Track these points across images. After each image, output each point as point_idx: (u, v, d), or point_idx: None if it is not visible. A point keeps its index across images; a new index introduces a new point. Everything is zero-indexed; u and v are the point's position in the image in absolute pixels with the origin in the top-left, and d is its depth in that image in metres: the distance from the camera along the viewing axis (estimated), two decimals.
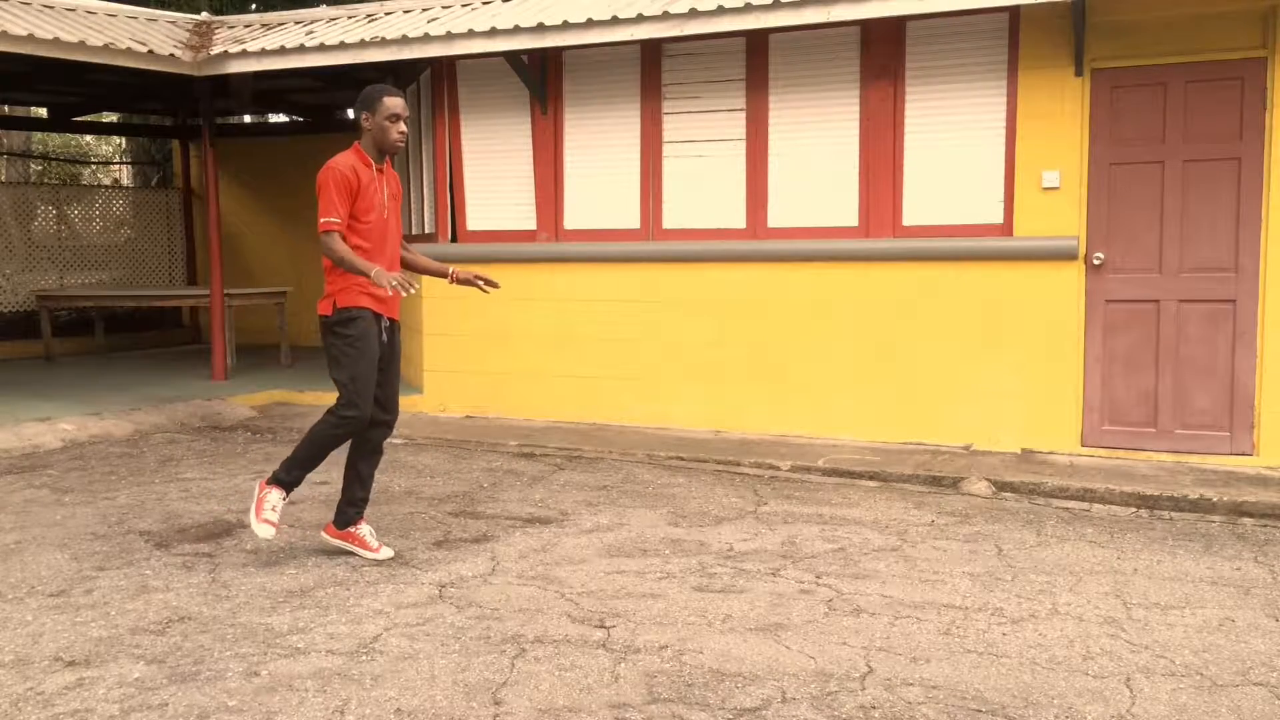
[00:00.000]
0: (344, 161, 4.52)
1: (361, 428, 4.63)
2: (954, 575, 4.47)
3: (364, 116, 4.56)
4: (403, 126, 4.56)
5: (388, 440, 4.90)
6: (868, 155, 7.04)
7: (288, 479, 4.66)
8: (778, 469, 6.45)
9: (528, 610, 4.03)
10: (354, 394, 4.53)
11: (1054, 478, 5.97)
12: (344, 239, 4.45)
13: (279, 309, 10.98)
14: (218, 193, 9.87)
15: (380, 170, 4.61)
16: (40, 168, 19.58)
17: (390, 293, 4.36)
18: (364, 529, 4.76)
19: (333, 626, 3.86)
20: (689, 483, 6.19)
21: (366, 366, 4.55)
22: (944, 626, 3.86)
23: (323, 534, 4.83)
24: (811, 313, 7.20)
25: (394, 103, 4.53)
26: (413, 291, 4.42)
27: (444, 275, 4.90)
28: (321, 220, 4.45)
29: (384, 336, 4.63)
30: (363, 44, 7.95)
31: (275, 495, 4.63)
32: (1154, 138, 6.38)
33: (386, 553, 4.71)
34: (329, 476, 6.33)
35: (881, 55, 6.95)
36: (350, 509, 4.76)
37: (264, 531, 4.55)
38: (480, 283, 4.86)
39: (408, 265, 4.94)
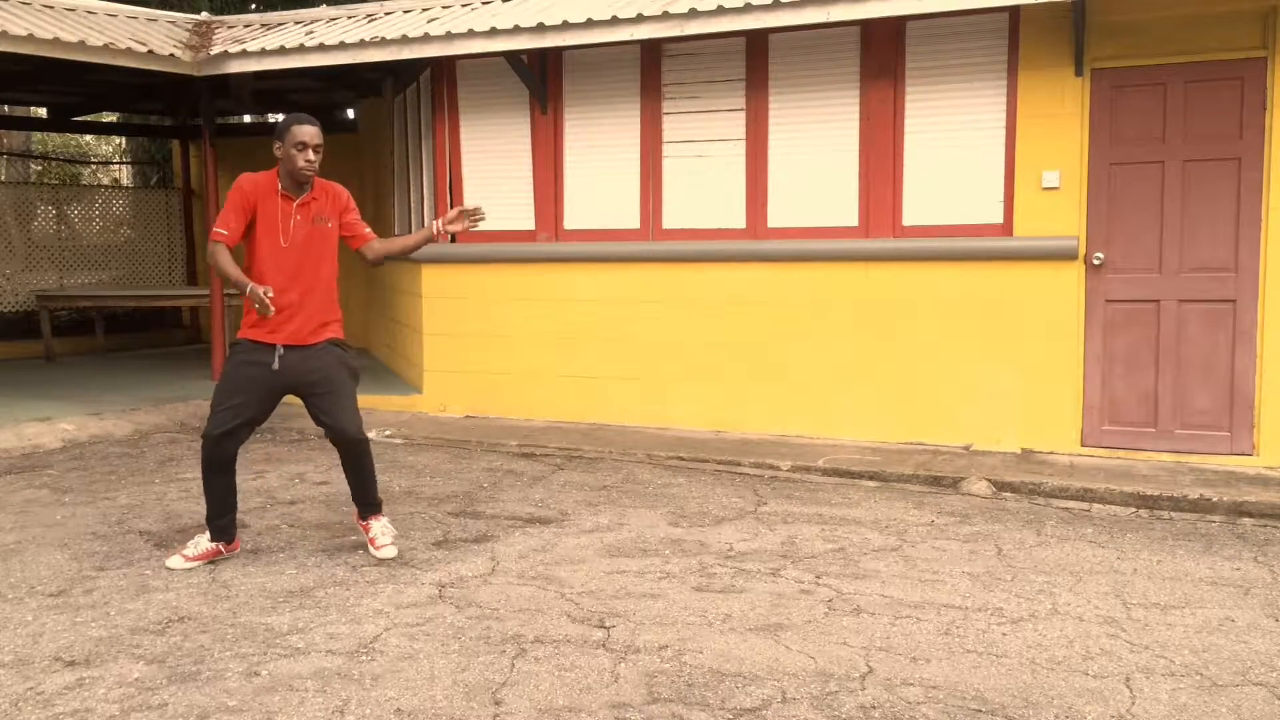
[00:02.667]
0: (250, 178, 4.57)
1: (209, 448, 4.59)
2: (954, 575, 4.47)
3: (276, 145, 4.55)
4: (310, 155, 4.50)
5: (378, 441, 4.93)
6: (868, 155, 7.04)
7: (207, 524, 4.70)
8: (778, 469, 6.45)
9: (528, 610, 4.03)
10: (211, 414, 4.62)
11: (1054, 478, 5.97)
12: (228, 251, 4.52)
13: None
14: (218, 193, 9.86)
15: (295, 199, 4.55)
16: (40, 168, 19.57)
17: (259, 310, 4.36)
18: (375, 527, 4.82)
19: (333, 626, 3.86)
20: (689, 483, 6.19)
21: (223, 391, 4.59)
22: (944, 626, 3.86)
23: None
24: (811, 313, 7.20)
25: (302, 130, 4.49)
26: (270, 314, 4.39)
27: (433, 239, 4.84)
28: (214, 229, 4.53)
29: (275, 365, 4.55)
30: (363, 44, 7.95)
31: (198, 537, 4.70)
32: (1154, 138, 6.38)
33: (388, 552, 4.73)
34: (329, 477, 6.34)
35: (881, 55, 6.95)
36: (354, 504, 4.91)
37: (172, 563, 4.59)
38: (468, 221, 4.78)
39: (390, 256, 4.93)
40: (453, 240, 8.35)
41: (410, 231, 9.26)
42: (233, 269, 4.48)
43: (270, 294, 4.34)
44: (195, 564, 4.58)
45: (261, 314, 4.39)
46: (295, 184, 4.56)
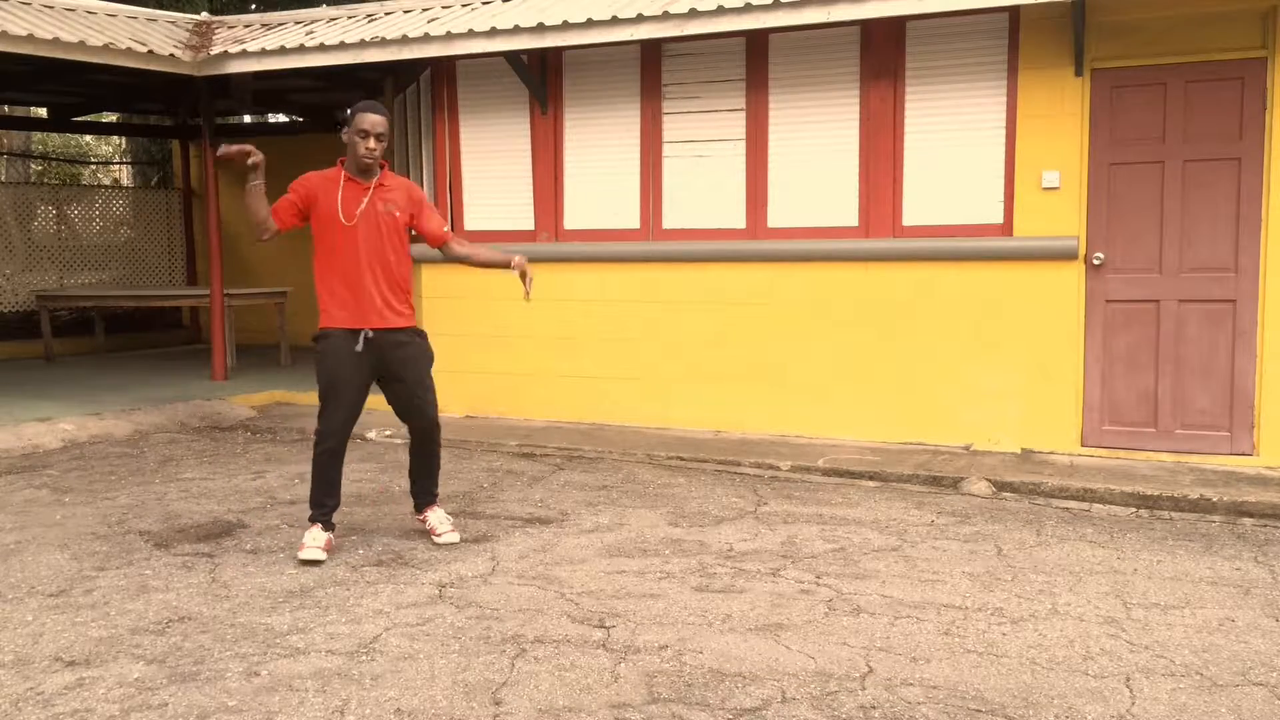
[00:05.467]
0: (315, 172, 4.77)
1: (331, 442, 4.75)
2: (954, 575, 4.47)
3: (343, 132, 4.73)
4: (371, 143, 4.63)
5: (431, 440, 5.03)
6: (868, 155, 7.04)
7: (312, 515, 4.80)
8: (778, 469, 6.45)
9: (528, 610, 4.02)
10: (319, 413, 4.78)
11: (1054, 478, 5.97)
12: (272, 217, 4.69)
13: (279, 309, 10.98)
14: (218, 193, 9.87)
15: (362, 184, 4.71)
16: (40, 168, 19.58)
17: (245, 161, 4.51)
18: (431, 517, 4.99)
19: (333, 626, 3.86)
20: (689, 483, 6.19)
21: (325, 385, 4.72)
22: (944, 626, 3.86)
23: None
24: (811, 313, 7.20)
25: (364, 119, 4.64)
26: (257, 160, 4.55)
27: (506, 265, 4.96)
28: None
29: (359, 346, 4.69)
30: (363, 44, 7.95)
31: (313, 532, 4.76)
32: (1154, 138, 6.38)
33: (450, 538, 4.91)
34: None
35: (881, 55, 6.95)
36: (415, 497, 5.07)
37: (305, 555, 4.66)
38: (526, 282, 4.92)
39: (469, 261, 5.05)
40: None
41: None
42: (260, 204, 4.66)
43: (253, 155, 4.51)
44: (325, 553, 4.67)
45: (240, 162, 4.51)
46: (360, 170, 4.71)
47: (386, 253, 4.74)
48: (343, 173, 4.72)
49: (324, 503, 4.77)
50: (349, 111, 4.70)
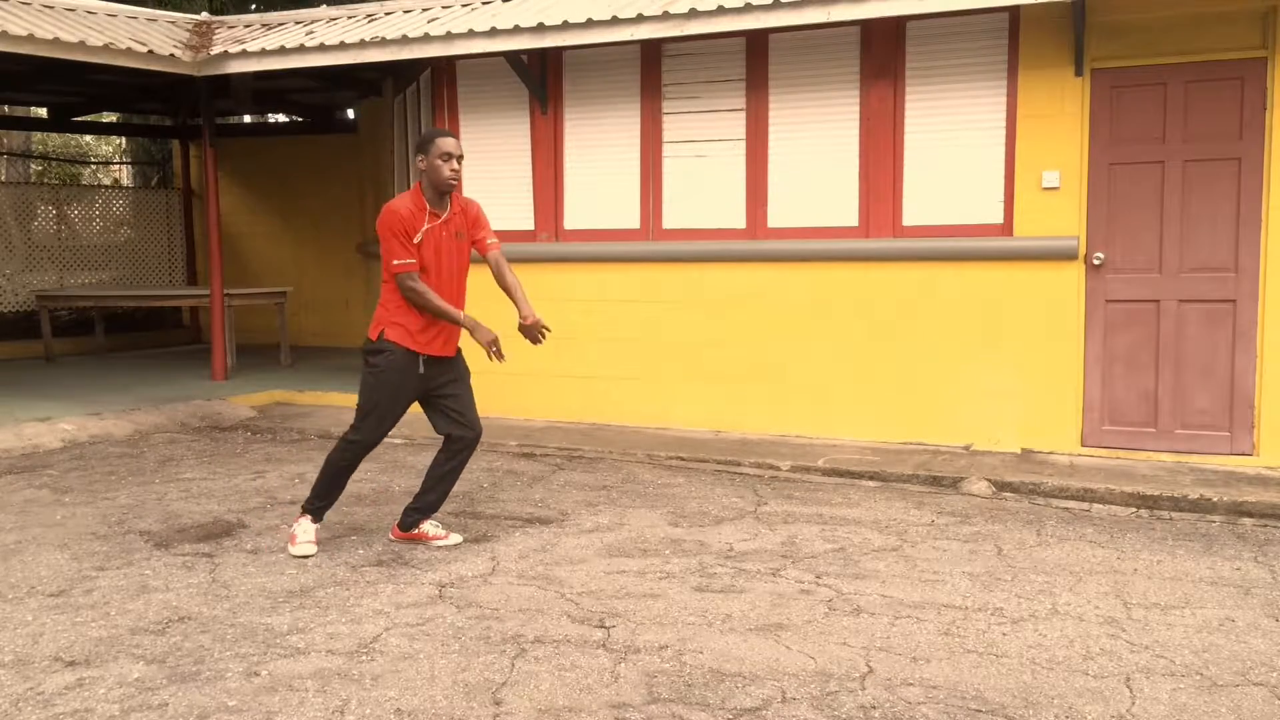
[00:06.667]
0: (400, 205, 4.65)
1: (364, 453, 4.80)
2: (954, 575, 4.47)
3: (419, 159, 4.69)
4: (455, 165, 4.65)
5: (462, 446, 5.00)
6: (868, 155, 7.04)
7: (311, 507, 4.84)
8: (778, 469, 6.45)
9: (528, 610, 4.03)
10: (361, 420, 4.75)
11: (1054, 478, 5.97)
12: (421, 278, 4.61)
13: (279, 309, 10.98)
14: (218, 193, 9.87)
15: (440, 217, 4.68)
16: (40, 168, 19.58)
17: (490, 357, 4.59)
18: (426, 524, 4.96)
19: (333, 626, 3.86)
20: (689, 483, 6.19)
21: (384, 398, 4.70)
22: (944, 626, 3.86)
23: (389, 536, 5.05)
24: (811, 313, 7.20)
25: (446, 142, 4.64)
26: (501, 360, 4.64)
27: (521, 317, 4.78)
28: (395, 263, 4.59)
29: (421, 369, 4.72)
30: (363, 44, 7.95)
31: (304, 523, 4.80)
32: (1154, 138, 6.38)
33: (454, 538, 4.93)
34: None
35: (881, 55, 6.94)
36: (414, 513, 4.94)
37: (300, 551, 4.72)
38: (538, 334, 4.78)
39: (498, 278, 4.88)
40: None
41: None
42: (448, 305, 4.62)
43: (498, 346, 4.56)
44: (316, 546, 4.75)
45: (494, 357, 4.60)
46: (438, 195, 4.69)
47: (461, 282, 4.83)
48: (425, 203, 4.66)
49: (327, 500, 4.83)
50: (421, 138, 4.71)
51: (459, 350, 4.93)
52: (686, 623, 3.89)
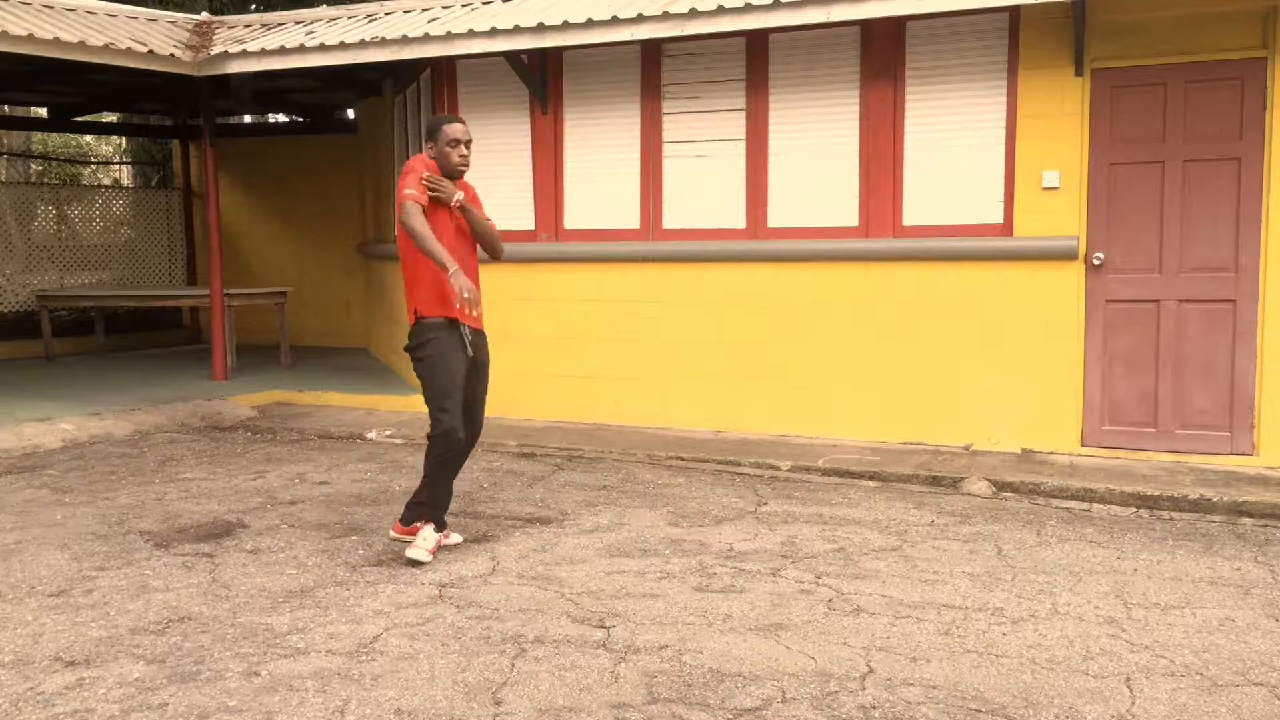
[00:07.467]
0: (422, 161, 4.68)
1: (457, 439, 4.68)
2: (954, 575, 4.47)
3: (428, 146, 4.72)
4: (464, 150, 4.69)
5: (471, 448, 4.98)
6: (868, 155, 7.04)
7: (431, 516, 4.77)
8: (778, 469, 6.45)
9: (528, 610, 4.03)
10: (437, 410, 4.67)
11: (1054, 478, 5.97)
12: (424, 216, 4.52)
13: (279, 309, 10.98)
14: (218, 193, 9.87)
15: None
16: (40, 168, 19.58)
17: (459, 306, 4.50)
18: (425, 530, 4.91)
19: (333, 626, 3.86)
20: (689, 483, 6.19)
21: (440, 371, 4.65)
22: (944, 626, 3.86)
23: (390, 533, 5.01)
24: (811, 312, 7.20)
25: (454, 128, 4.68)
26: (475, 313, 4.60)
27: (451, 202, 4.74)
28: (406, 192, 4.51)
29: (468, 349, 4.70)
30: (363, 44, 7.95)
31: (427, 531, 4.74)
32: (1154, 138, 6.38)
33: (455, 538, 4.90)
34: (329, 477, 6.35)
35: (881, 55, 6.95)
36: (417, 508, 4.90)
37: (416, 555, 4.65)
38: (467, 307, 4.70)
39: (480, 236, 4.90)
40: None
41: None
42: (436, 243, 4.47)
43: (470, 294, 4.46)
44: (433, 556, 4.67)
45: (464, 306, 4.50)
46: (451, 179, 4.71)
47: (474, 260, 4.84)
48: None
49: (447, 505, 4.82)
50: (433, 124, 4.72)
51: (485, 339, 4.87)
52: (686, 623, 3.89)
